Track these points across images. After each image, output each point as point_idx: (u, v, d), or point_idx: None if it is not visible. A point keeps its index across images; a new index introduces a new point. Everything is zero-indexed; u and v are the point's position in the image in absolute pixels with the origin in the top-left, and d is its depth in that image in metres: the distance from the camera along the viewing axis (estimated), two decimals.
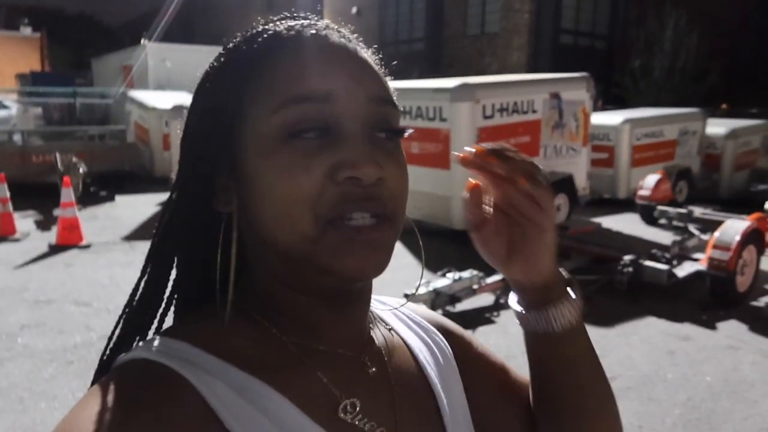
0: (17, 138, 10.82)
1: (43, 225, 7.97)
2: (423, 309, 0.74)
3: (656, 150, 10.40)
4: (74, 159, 9.27)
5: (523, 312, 0.63)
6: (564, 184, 7.86)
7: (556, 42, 19.39)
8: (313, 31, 0.55)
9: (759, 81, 18.86)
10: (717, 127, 11.26)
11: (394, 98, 0.58)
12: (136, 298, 0.58)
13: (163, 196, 9.94)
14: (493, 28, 20.05)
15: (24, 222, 7.98)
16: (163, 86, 15.31)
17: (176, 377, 0.48)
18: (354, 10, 24.51)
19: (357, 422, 0.55)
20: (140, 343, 0.54)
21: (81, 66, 27.39)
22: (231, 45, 0.57)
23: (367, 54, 0.58)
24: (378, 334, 0.63)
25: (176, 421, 0.46)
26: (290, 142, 0.51)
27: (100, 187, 10.15)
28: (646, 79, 17.74)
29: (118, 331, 0.58)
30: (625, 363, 4.14)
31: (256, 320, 0.56)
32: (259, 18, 0.59)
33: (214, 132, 0.55)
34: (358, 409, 0.55)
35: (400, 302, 0.72)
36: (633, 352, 4.34)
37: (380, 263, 0.53)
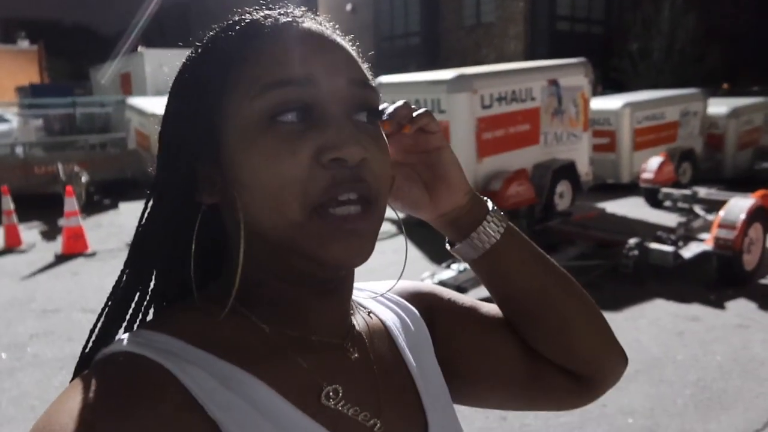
0: (19, 150, 10.85)
1: (48, 235, 8.00)
2: (388, 284, 0.74)
3: (658, 132, 10.33)
4: (76, 168, 9.31)
5: (458, 246, 0.68)
6: (566, 170, 7.83)
7: (553, 29, 19.31)
8: (290, 19, 0.56)
9: (759, 59, 18.74)
10: (718, 107, 11.18)
11: (372, 84, 0.59)
12: (119, 291, 0.58)
13: None
14: (489, 18, 19.98)
15: (29, 233, 8.01)
16: (161, 92, 15.31)
17: (158, 368, 0.48)
18: (348, 6, 24.48)
19: (340, 408, 0.55)
20: (121, 337, 0.54)
21: (79, 76, 27.47)
22: (209, 35, 0.57)
23: (345, 41, 0.58)
24: (359, 320, 0.64)
25: (159, 412, 0.45)
26: (273, 126, 0.51)
27: (103, 195, 10.19)
28: (645, 61, 17.65)
29: (99, 325, 0.57)
30: (634, 346, 4.12)
31: (238, 311, 0.56)
32: (235, 9, 0.58)
33: (195, 122, 0.54)
34: (340, 395, 0.55)
35: (380, 286, 0.73)
36: (641, 335, 4.32)
37: (364, 251, 0.54)
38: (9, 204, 7.37)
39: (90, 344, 0.57)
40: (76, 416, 0.44)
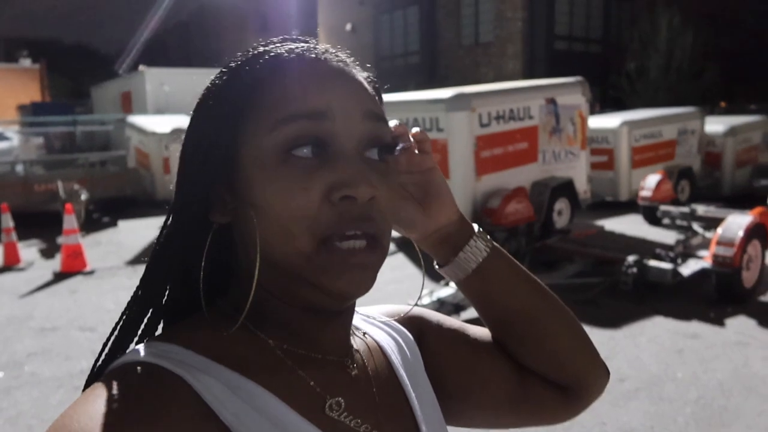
0: (19, 168, 10.89)
1: (47, 253, 7.99)
2: (384, 308, 0.77)
3: (656, 150, 10.39)
4: (76, 186, 9.33)
5: (448, 266, 0.71)
6: (564, 188, 7.85)
7: (551, 48, 19.47)
8: (313, 55, 0.58)
9: (756, 78, 18.89)
10: (716, 125, 11.26)
11: (386, 118, 0.61)
12: (134, 304, 0.59)
13: None
14: (487, 37, 20.14)
15: (28, 251, 8.01)
16: (162, 110, 15.41)
17: (171, 376, 0.49)
18: (348, 26, 24.72)
19: (343, 419, 0.57)
20: (135, 348, 0.55)
21: (80, 95, 27.65)
22: (233, 64, 0.59)
23: (362, 75, 0.60)
24: (357, 340, 0.67)
25: (175, 417, 0.47)
26: (288, 160, 0.53)
27: (102, 213, 10.20)
28: (643, 80, 17.77)
29: (113, 338, 0.59)
30: (633, 364, 4.11)
31: (246, 326, 0.57)
32: (260, 39, 0.61)
33: (215, 147, 0.56)
34: (343, 407, 0.57)
35: (373, 310, 0.76)
36: (641, 353, 4.31)
37: (367, 284, 0.56)
38: (8, 222, 7.38)
39: (103, 356, 0.58)
40: (96, 420, 0.45)
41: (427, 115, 7.09)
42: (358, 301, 0.61)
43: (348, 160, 0.54)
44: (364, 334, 0.70)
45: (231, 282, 0.62)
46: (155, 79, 17.38)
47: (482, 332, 0.77)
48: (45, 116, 16.18)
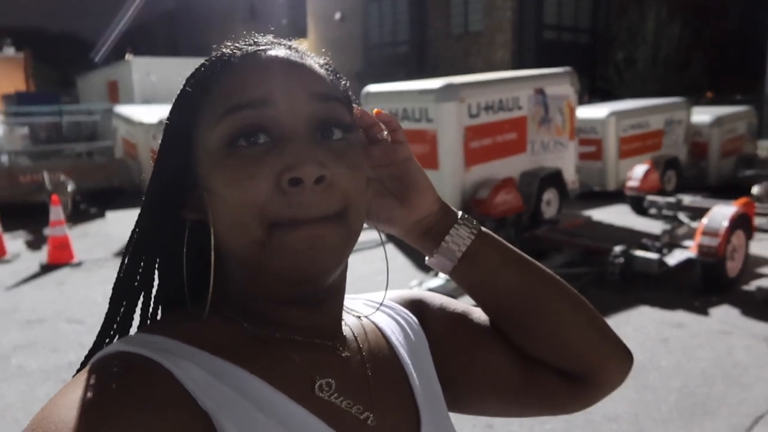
0: (4, 159, 10.77)
1: (34, 245, 7.93)
2: (387, 293, 0.76)
3: (643, 141, 10.46)
4: (62, 177, 9.24)
5: (435, 256, 0.69)
6: (553, 178, 7.90)
7: (540, 38, 19.47)
8: (254, 48, 0.58)
9: (741, 69, 19.00)
10: (702, 116, 11.33)
11: (347, 97, 0.61)
12: (117, 301, 0.60)
13: None
14: (477, 26, 20.10)
15: (14, 243, 7.94)
16: (149, 100, 15.27)
17: (151, 364, 0.50)
18: (337, 15, 24.55)
19: (333, 400, 0.56)
20: (114, 342, 0.56)
21: (66, 84, 27.31)
22: (193, 71, 0.61)
23: (314, 61, 0.60)
24: (351, 323, 0.66)
25: (155, 404, 0.47)
26: (234, 150, 0.54)
27: (89, 204, 10.12)
28: (630, 70, 17.84)
29: (100, 332, 0.60)
30: None
31: (230, 318, 0.58)
32: (245, 30, 0.63)
33: (175, 145, 0.59)
34: (333, 388, 0.57)
35: (373, 296, 0.75)
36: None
37: (328, 266, 0.55)
38: None
39: (90, 350, 0.58)
40: (77, 410, 0.45)
41: (417, 105, 7.09)
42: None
43: (294, 143, 0.53)
44: (360, 317, 0.69)
45: (202, 275, 0.61)
46: (142, 69, 17.20)
47: (486, 315, 0.74)
48: (30, 106, 15.98)
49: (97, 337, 0.59)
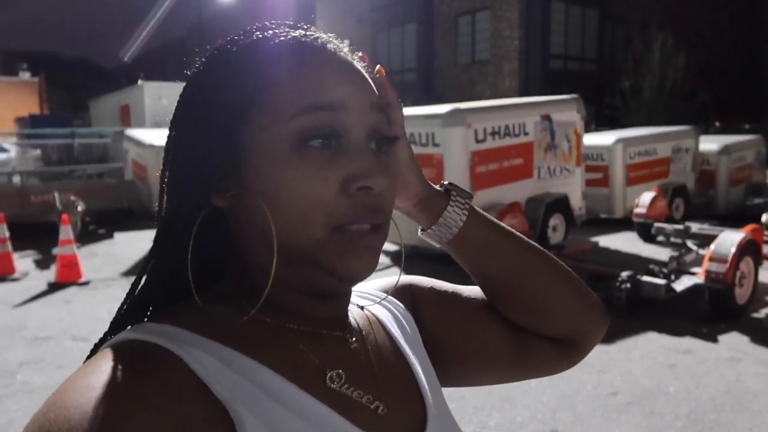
0: (16, 179, 10.90)
1: (42, 264, 7.98)
2: (376, 282, 0.78)
3: (650, 168, 10.47)
4: (72, 197, 9.33)
5: (430, 230, 0.71)
6: (559, 204, 7.91)
7: (547, 66, 19.66)
8: (321, 45, 0.58)
9: (748, 98, 19.07)
10: (710, 144, 11.36)
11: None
12: (136, 287, 0.59)
13: None
14: (484, 55, 20.35)
15: (23, 261, 7.99)
16: (159, 124, 15.48)
17: (163, 351, 0.50)
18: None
19: (344, 390, 0.57)
20: (125, 330, 0.55)
21: (79, 107, 27.72)
22: (242, 43, 0.58)
23: (361, 65, 0.61)
24: (356, 315, 0.68)
25: (168, 390, 0.47)
26: (303, 150, 0.54)
27: (98, 225, 10.19)
28: (637, 99, 17.95)
29: (113, 321, 0.59)
30: (626, 378, 4.12)
31: (242, 306, 0.57)
32: (255, 24, 0.60)
33: (219, 130, 0.56)
34: (344, 378, 0.58)
35: (365, 285, 0.75)
36: (634, 367, 4.31)
37: (374, 264, 0.58)
38: (4, 232, 7.37)
39: (103, 336, 0.58)
40: (89, 395, 0.45)
41: (423, 130, 7.15)
42: None
43: (362, 152, 0.56)
44: (362, 308, 0.71)
45: (227, 266, 0.62)
46: (153, 93, 17.47)
47: (476, 292, 0.77)
48: (43, 128, 16.22)
49: (111, 324, 0.59)
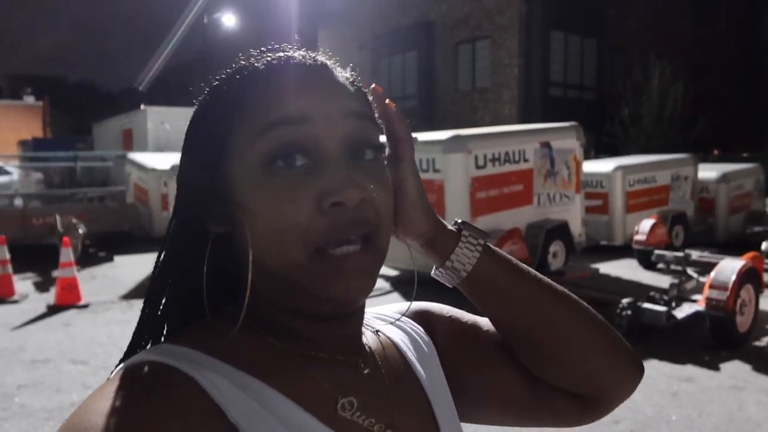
0: (18, 202, 10.94)
1: (42, 286, 7.97)
2: (395, 306, 0.76)
3: (650, 195, 10.52)
4: (74, 220, 9.36)
5: (441, 271, 0.67)
6: (559, 230, 7.92)
7: (546, 94, 19.85)
8: (283, 61, 0.58)
9: (747, 127, 19.22)
10: (709, 172, 11.43)
11: (375, 115, 0.61)
12: (146, 311, 0.61)
13: None
14: (484, 83, 20.55)
15: (23, 284, 7.98)
16: (162, 148, 15.58)
17: (180, 374, 0.50)
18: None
19: (356, 419, 0.57)
20: (141, 351, 0.56)
21: (82, 131, 27.90)
22: (216, 83, 0.60)
23: (344, 76, 0.60)
24: (368, 338, 0.66)
25: (184, 413, 0.47)
26: (273, 172, 0.54)
27: (99, 248, 10.19)
28: (636, 127, 18.08)
29: (128, 345, 0.60)
30: (628, 406, 4.08)
31: (254, 330, 0.58)
32: (240, 55, 0.61)
33: (204, 166, 0.58)
34: (355, 406, 0.57)
35: (384, 309, 0.75)
36: (636, 395, 4.23)
37: (366, 287, 0.56)
38: (5, 254, 7.38)
39: (121, 359, 0.59)
40: (103, 416, 0.45)
41: (424, 156, 7.20)
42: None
43: (333, 166, 0.54)
44: (377, 332, 0.69)
45: (229, 289, 0.62)
46: (156, 117, 17.63)
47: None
48: (45, 151, 16.32)
49: (128, 346, 0.60)
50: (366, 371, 0.61)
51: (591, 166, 10.13)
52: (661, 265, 8.40)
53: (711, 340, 5.30)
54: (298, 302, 0.57)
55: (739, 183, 11.52)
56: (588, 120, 11.63)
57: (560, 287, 0.69)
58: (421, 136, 8.00)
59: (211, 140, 0.57)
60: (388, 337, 0.69)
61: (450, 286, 0.68)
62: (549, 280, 0.69)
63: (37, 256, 9.06)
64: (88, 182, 14.78)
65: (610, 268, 9.00)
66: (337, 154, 0.55)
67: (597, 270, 8.24)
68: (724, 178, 11.24)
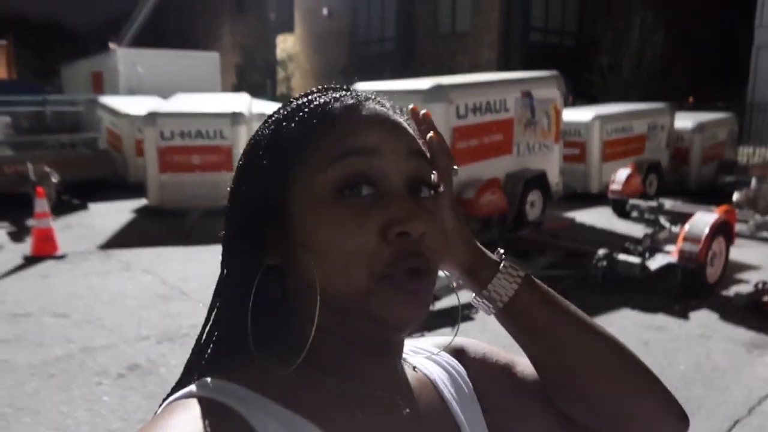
0: None
1: (17, 236, 7.85)
2: (432, 339, 0.76)
3: (626, 145, 10.63)
4: (47, 169, 9.13)
5: (478, 300, 0.67)
6: (537, 180, 8.00)
7: (526, 39, 19.62)
8: (357, 100, 0.62)
9: (723, 76, 19.31)
10: (684, 121, 11.53)
11: (427, 155, 0.64)
12: (199, 344, 0.62)
13: (138, 203, 9.85)
14: (464, 26, 20.20)
15: None
16: (134, 91, 15.13)
17: (230, 412, 0.51)
18: (325, 11, 24.50)
19: None
20: (190, 386, 0.57)
21: (49, 73, 26.90)
22: (278, 115, 0.63)
23: (402, 118, 0.64)
24: (408, 375, 0.67)
25: None
26: (342, 199, 0.56)
27: (72, 196, 10.01)
28: (614, 76, 18.05)
29: (180, 377, 0.62)
30: None
31: (300, 366, 0.58)
32: (300, 94, 0.64)
33: (267, 195, 0.59)
34: None
35: (421, 342, 0.75)
36: None
37: (423, 312, 0.58)
38: None
39: (172, 389, 0.60)
40: None
41: (405, 104, 7.10)
42: None
43: (400, 198, 0.57)
44: (414, 368, 0.69)
45: (280, 321, 0.62)
46: (128, 60, 17.03)
47: (531, 369, 0.70)
48: (12, 95, 15.74)
49: (181, 375, 0.61)
50: (405, 411, 0.62)
51: (569, 115, 10.13)
52: (634, 214, 8.59)
53: (681, 290, 5.49)
54: (354, 328, 0.58)
55: (713, 132, 11.68)
56: (567, 67, 11.55)
57: (601, 327, 0.68)
58: (402, 85, 7.90)
59: (275, 171, 0.59)
60: (425, 374, 0.69)
61: (488, 314, 0.69)
62: (591, 320, 0.68)
63: (8, 205, 8.88)
64: (58, 128, 14.36)
65: (586, 216, 9.16)
66: (401, 188, 0.58)
67: (573, 219, 8.38)
68: (700, 128, 11.37)
